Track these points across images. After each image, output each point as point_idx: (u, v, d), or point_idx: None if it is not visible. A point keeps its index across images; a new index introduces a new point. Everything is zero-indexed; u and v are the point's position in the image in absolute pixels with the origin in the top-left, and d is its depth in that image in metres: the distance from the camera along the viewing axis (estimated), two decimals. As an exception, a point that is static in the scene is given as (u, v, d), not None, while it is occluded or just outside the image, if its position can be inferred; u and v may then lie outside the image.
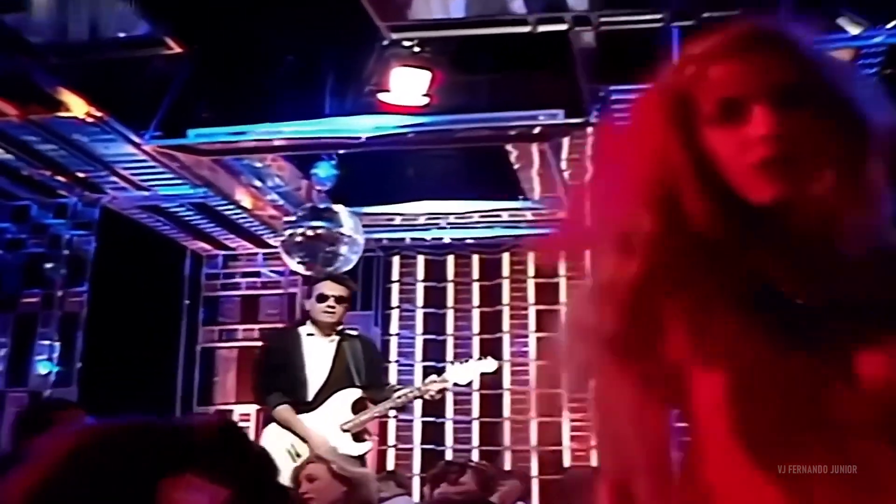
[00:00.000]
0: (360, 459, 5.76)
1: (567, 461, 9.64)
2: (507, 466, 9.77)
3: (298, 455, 5.76)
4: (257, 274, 9.70)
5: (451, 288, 10.28)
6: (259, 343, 9.44)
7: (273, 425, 6.07)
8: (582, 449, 9.63)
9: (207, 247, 9.53)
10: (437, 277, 10.32)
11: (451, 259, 10.32)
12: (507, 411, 9.89)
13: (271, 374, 6.14)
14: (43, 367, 8.06)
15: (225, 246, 9.51)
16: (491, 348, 10.03)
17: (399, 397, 5.84)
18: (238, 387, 9.32)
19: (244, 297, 9.68)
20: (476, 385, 10.13)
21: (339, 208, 7.72)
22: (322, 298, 6.03)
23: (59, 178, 7.83)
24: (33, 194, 8.27)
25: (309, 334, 6.10)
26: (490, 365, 5.78)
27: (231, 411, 9.32)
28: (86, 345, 8.06)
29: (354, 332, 6.23)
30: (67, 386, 7.96)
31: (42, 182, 7.96)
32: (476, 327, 10.17)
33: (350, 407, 5.88)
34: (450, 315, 10.24)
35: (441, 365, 10.29)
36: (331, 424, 5.86)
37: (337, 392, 5.92)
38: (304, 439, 5.85)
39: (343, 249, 7.64)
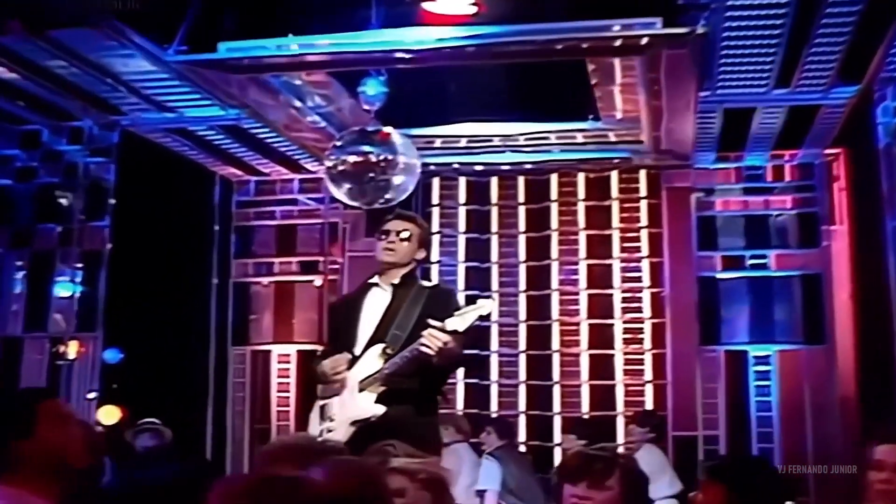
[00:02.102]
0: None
1: (620, 396, 8.68)
2: (556, 400, 8.80)
3: (327, 415, 4.68)
4: (293, 202, 8.43)
5: (495, 212, 9.12)
6: (294, 279, 8.40)
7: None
8: (636, 384, 8.64)
9: (238, 172, 8.28)
10: (480, 200, 9.15)
11: (494, 181, 9.15)
12: (556, 344, 8.81)
13: (331, 337, 5.01)
14: (64, 289, 6.91)
15: (257, 171, 8.26)
16: (538, 276, 8.98)
17: (397, 357, 4.62)
18: (276, 326, 8.18)
19: (280, 226, 8.42)
20: (522, 316, 9.09)
21: (390, 130, 6.50)
22: (383, 235, 4.82)
23: (73, 99, 6.59)
24: (44, 118, 7.04)
25: (374, 284, 4.92)
26: (487, 307, 4.58)
27: (269, 352, 8.22)
28: (109, 284, 6.91)
29: (428, 284, 5.03)
30: (92, 330, 6.85)
31: (53, 104, 6.73)
32: (522, 254, 9.03)
33: (380, 363, 4.70)
34: (494, 241, 9.10)
35: (486, 294, 9.28)
36: (355, 384, 4.71)
37: (375, 346, 4.75)
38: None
39: (397, 177, 6.43)
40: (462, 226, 9.16)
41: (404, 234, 4.78)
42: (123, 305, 7.03)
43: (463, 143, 8.20)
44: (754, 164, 7.43)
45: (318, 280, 8.18)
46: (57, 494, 2.60)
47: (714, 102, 6.20)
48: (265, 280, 8.36)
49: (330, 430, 4.66)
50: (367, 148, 6.42)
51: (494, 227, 9.09)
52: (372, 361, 4.65)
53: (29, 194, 7.08)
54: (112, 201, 6.95)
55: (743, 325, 7.30)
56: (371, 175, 6.41)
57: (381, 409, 4.57)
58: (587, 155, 8.12)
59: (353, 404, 4.63)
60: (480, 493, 7.26)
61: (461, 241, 9.14)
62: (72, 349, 6.86)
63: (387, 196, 6.48)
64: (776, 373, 7.25)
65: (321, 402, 4.79)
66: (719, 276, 7.45)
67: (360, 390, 4.63)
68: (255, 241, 8.40)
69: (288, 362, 8.15)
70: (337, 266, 8.08)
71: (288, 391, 8.11)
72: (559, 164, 8.50)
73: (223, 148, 7.59)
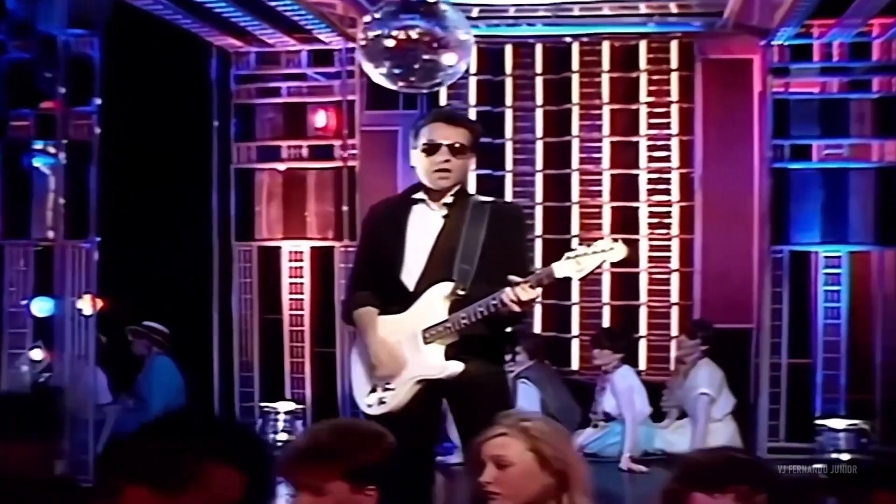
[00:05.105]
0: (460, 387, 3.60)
1: (643, 284, 7.86)
2: (575, 289, 7.93)
3: (386, 384, 3.66)
4: (302, 77, 7.09)
5: (509, 83, 7.97)
6: (306, 165, 7.16)
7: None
8: (661, 272, 7.82)
9: (237, 43, 6.85)
10: (494, 70, 7.97)
11: (509, 49, 7.98)
12: (575, 228, 7.90)
13: (366, 263, 3.81)
14: (39, 162, 5.66)
15: (259, 41, 6.86)
16: (557, 154, 7.97)
17: (473, 309, 3.58)
18: (286, 219, 6.98)
19: (287, 105, 7.07)
20: (539, 198, 8.09)
21: (440, 0, 5.28)
22: (431, 149, 3.58)
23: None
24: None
25: (419, 201, 3.82)
26: (617, 252, 3.50)
27: (278, 248, 7.05)
28: (101, 180, 5.66)
29: (485, 200, 3.93)
30: (84, 236, 5.65)
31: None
32: (539, 129, 7.93)
33: (445, 307, 3.67)
34: (508, 115, 7.99)
35: (499, 173, 8.25)
36: (417, 333, 3.63)
37: (434, 285, 3.69)
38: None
39: (448, 57, 5.27)
40: (473, 98, 8.01)
41: (459, 147, 3.64)
42: (117, 204, 5.81)
43: (475, 12, 7.11)
44: (836, 42, 6.36)
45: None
46: None
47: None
48: (271, 166, 7.10)
49: (387, 388, 3.65)
50: (412, 22, 5.23)
51: (508, 99, 7.95)
52: (437, 305, 3.58)
53: (-4, 75, 5.68)
54: (98, 81, 5.60)
55: (813, 223, 6.41)
56: (418, 54, 5.25)
57: (459, 367, 3.56)
58: (646, 29, 7.08)
59: (419, 359, 3.61)
60: None
61: (471, 114, 7.97)
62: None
63: (436, 79, 5.36)
64: (847, 276, 6.43)
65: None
66: (788, 166, 6.47)
67: (427, 342, 3.59)
68: (258, 122, 7.09)
69: (300, 261, 6.97)
70: (355, 151, 6.87)
71: (301, 293, 6.96)
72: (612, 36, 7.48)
73: (223, 15, 6.22)
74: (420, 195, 3.69)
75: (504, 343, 3.86)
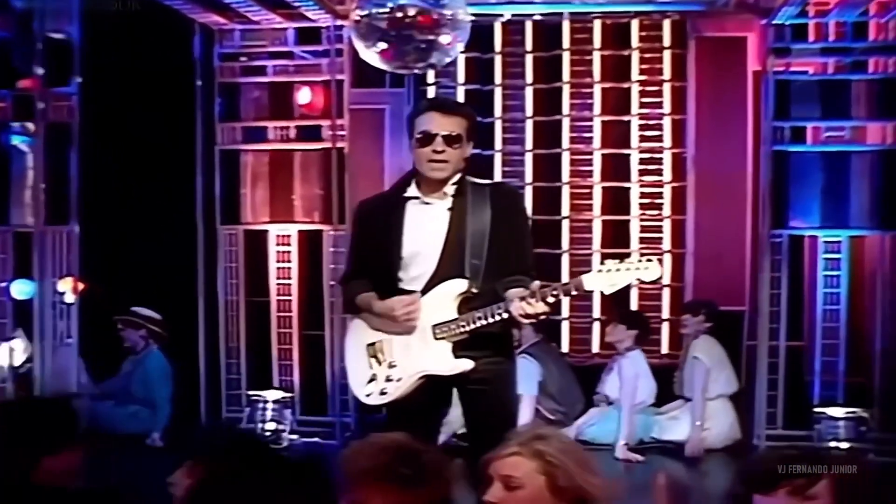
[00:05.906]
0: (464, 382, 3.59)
1: (634, 266, 7.73)
2: (565, 270, 7.80)
3: (382, 358, 3.63)
4: (289, 55, 6.84)
5: (498, 61, 7.77)
6: (293, 146, 6.92)
7: (357, 321, 3.79)
8: (652, 254, 7.67)
9: (220, 20, 6.59)
10: (482, 47, 7.74)
11: (498, 26, 7.78)
12: (565, 209, 7.75)
13: (360, 261, 3.77)
14: (17, 140, 5.44)
15: (244, 17, 6.62)
16: (547, 133, 7.81)
17: (488, 312, 3.50)
18: (272, 202, 6.76)
19: (273, 84, 6.83)
20: (529, 178, 7.93)
21: (434, -23, 5.10)
22: (425, 140, 3.51)
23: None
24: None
25: (413, 198, 3.63)
26: (652, 272, 3.41)
27: (265, 232, 6.85)
28: (81, 164, 5.45)
29: (482, 183, 3.72)
30: (65, 221, 5.44)
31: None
32: (529, 108, 7.75)
33: (456, 303, 3.56)
34: (497, 94, 7.80)
35: (488, 152, 8.07)
36: (426, 327, 3.59)
37: (444, 281, 3.61)
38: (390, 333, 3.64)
39: (444, 37, 5.10)
40: (461, 76, 7.80)
41: (454, 136, 3.53)
42: (98, 188, 5.60)
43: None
44: (835, 21, 6.21)
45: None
46: None
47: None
48: (257, 147, 6.84)
49: (390, 379, 3.61)
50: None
51: (498, 77, 7.76)
52: (447, 301, 3.53)
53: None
54: (78, 61, 5.37)
55: (813, 207, 6.28)
56: (413, 33, 5.07)
57: (469, 365, 3.52)
58: (648, 7, 6.89)
59: (427, 354, 3.57)
60: None
61: (460, 92, 7.84)
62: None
63: (431, 60, 5.18)
64: (847, 261, 6.31)
65: (373, 340, 3.67)
66: (787, 149, 6.32)
67: (436, 338, 3.55)
68: (243, 102, 6.84)
69: (288, 245, 6.77)
70: (343, 132, 6.66)
71: (289, 278, 6.78)
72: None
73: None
74: (413, 192, 3.59)
75: (510, 335, 3.84)
